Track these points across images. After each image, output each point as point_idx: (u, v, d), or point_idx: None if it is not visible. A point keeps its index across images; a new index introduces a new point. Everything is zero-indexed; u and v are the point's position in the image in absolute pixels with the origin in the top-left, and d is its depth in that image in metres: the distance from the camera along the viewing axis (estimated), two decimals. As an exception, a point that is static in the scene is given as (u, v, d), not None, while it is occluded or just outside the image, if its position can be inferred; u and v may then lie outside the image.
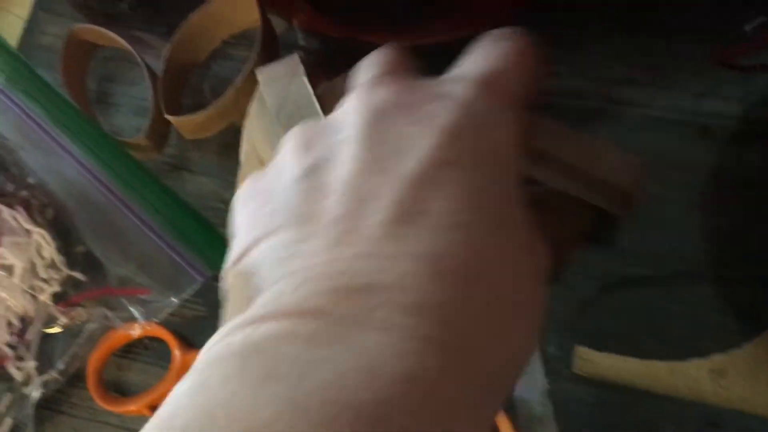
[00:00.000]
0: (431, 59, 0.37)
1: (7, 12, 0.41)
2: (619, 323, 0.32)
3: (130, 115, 0.40)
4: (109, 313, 0.33)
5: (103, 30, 0.39)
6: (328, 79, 0.33)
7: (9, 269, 0.32)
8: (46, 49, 0.41)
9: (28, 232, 0.33)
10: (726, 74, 0.34)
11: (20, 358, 0.33)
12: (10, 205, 0.33)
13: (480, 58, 0.23)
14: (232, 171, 0.35)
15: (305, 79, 0.31)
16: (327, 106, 0.30)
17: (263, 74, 0.32)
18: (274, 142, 0.31)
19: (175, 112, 0.36)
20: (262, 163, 0.32)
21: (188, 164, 0.39)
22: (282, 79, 0.32)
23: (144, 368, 0.35)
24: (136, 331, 0.32)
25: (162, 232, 0.33)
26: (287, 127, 0.31)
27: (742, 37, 0.34)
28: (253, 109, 0.33)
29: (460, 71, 0.23)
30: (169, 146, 0.39)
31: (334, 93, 0.31)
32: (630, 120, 0.35)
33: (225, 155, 0.39)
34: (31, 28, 0.41)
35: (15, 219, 0.32)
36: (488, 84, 0.21)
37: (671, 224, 0.33)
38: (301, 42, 0.40)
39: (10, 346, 0.32)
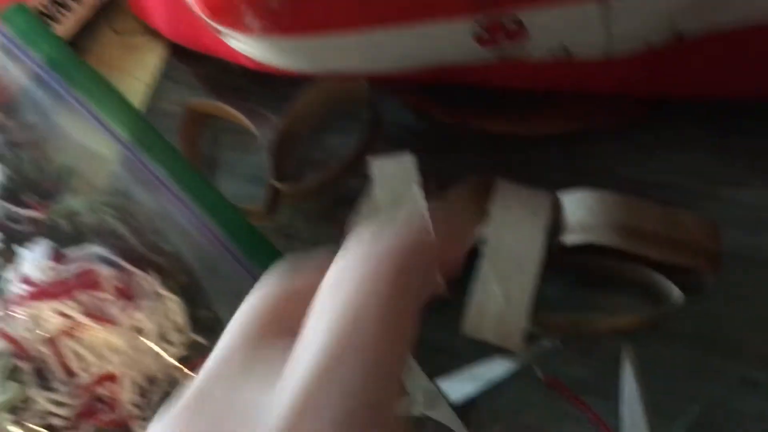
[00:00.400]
0: (542, 148, 0.39)
1: (132, 77, 0.43)
2: (737, 427, 0.32)
3: (241, 182, 0.42)
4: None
5: (219, 103, 0.41)
6: (438, 182, 0.35)
7: (141, 332, 0.33)
8: (167, 115, 0.43)
9: (160, 296, 0.34)
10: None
11: (144, 419, 0.34)
12: (145, 270, 0.34)
13: (315, 344, 0.15)
14: (337, 242, 0.36)
15: (418, 188, 0.33)
16: (437, 220, 0.32)
17: (377, 170, 0.34)
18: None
19: (283, 179, 0.38)
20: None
21: (297, 233, 0.40)
22: (395, 182, 0.34)
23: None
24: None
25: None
26: None
27: None
28: (363, 205, 0.35)
29: (289, 371, 0.16)
30: (279, 214, 0.40)
31: (445, 206, 0.33)
32: (738, 221, 0.36)
33: (330, 227, 0.40)
34: (155, 95, 0.43)
35: (150, 284, 0.34)
36: (316, 399, 0.15)
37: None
38: (406, 120, 0.42)
39: (136, 405, 0.34)
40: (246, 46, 0.32)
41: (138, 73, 0.44)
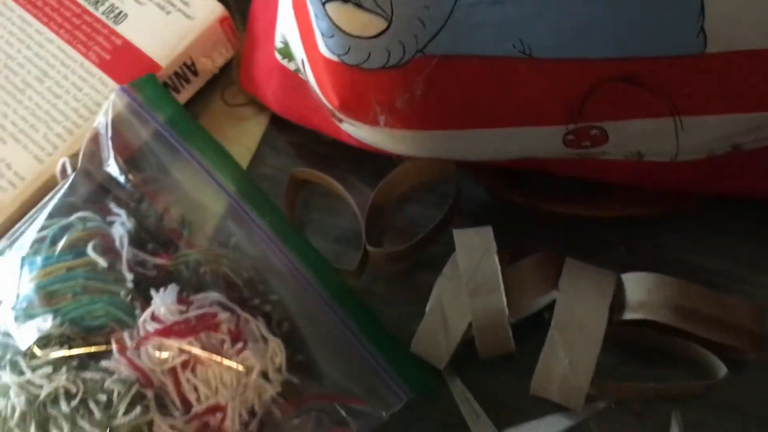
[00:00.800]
0: (604, 230, 0.44)
1: (239, 144, 0.49)
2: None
3: (331, 241, 0.47)
4: (324, 417, 0.39)
5: (319, 173, 0.46)
6: (512, 253, 0.40)
7: (248, 370, 0.38)
8: (266, 178, 0.48)
9: (266, 340, 0.39)
10: None
11: (244, 447, 0.39)
12: (254, 316, 0.39)
13: None
14: (413, 303, 0.41)
15: (496, 258, 0.38)
16: (510, 286, 0.37)
17: (460, 239, 0.39)
18: (458, 304, 0.38)
19: (370, 244, 0.43)
20: (444, 318, 0.39)
21: (377, 292, 0.45)
22: (476, 251, 0.39)
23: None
24: (346, 436, 0.38)
25: (372, 350, 0.39)
26: (472, 295, 0.38)
27: None
28: (447, 269, 0.40)
29: None
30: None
31: (517, 275, 0.38)
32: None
33: (408, 288, 0.45)
34: (255, 159, 0.49)
35: (258, 328, 0.39)
36: None
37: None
38: (480, 197, 0.47)
39: (238, 433, 0.38)
40: (363, 132, 0.38)
41: (242, 139, 0.49)
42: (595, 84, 0.31)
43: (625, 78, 0.30)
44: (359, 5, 0.30)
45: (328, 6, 0.30)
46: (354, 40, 0.31)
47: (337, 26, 0.31)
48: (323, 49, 0.33)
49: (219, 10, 0.48)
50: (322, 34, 0.32)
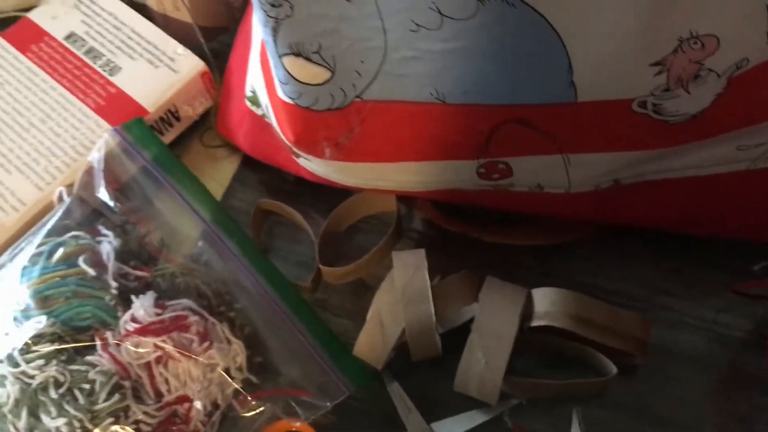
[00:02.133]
0: (522, 255, 0.51)
1: (212, 180, 0.56)
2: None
3: (291, 265, 0.54)
4: (277, 408, 0.45)
5: (282, 204, 0.54)
6: (443, 271, 0.47)
7: (213, 367, 0.45)
8: (236, 210, 0.55)
9: (229, 342, 0.46)
10: (740, 298, 0.47)
11: (207, 434, 0.45)
12: (220, 321, 0.46)
13: None
14: (360, 314, 0.48)
15: (426, 274, 0.45)
16: (438, 298, 0.44)
17: (397, 259, 0.47)
18: (394, 313, 0.45)
19: (327, 265, 0.50)
20: (382, 325, 0.45)
21: (330, 305, 0.52)
22: (409, 268, 0.46)
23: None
24: (296, 424, 0.45)
25: (321, 353, 0.45)
26: (406, 306, 0.44)
27: (752, 273, 0.48)
28: (385, 283, 0.47)
29: None
30: (319, 292, 0.52)
31: (444, 289, 0.45)
32: (666, 321, 0.48)
33: (355, 301, 0.52)
34: (227, 193, 0.56)
35: (222, 331, 0.46)
36: None
37: (691, 406, 0.45)
38: (420, 228, 0.55)
39: (202, 423, 0.45)
40: (314, 165, 0.45)
41: (217, 176, 0.57)
42: (495, 126, 0.39)
43: (519, 121, 0.38)
44: (308, 59, 0.37)
45: (284, 59, 0.38)
46: (305, 87, 0.39)
47: (291, 75, 0.39)
48: (281, 94, 0.41)
49: (201, 65, 0.56)
50: (280, 82, 0.40)
